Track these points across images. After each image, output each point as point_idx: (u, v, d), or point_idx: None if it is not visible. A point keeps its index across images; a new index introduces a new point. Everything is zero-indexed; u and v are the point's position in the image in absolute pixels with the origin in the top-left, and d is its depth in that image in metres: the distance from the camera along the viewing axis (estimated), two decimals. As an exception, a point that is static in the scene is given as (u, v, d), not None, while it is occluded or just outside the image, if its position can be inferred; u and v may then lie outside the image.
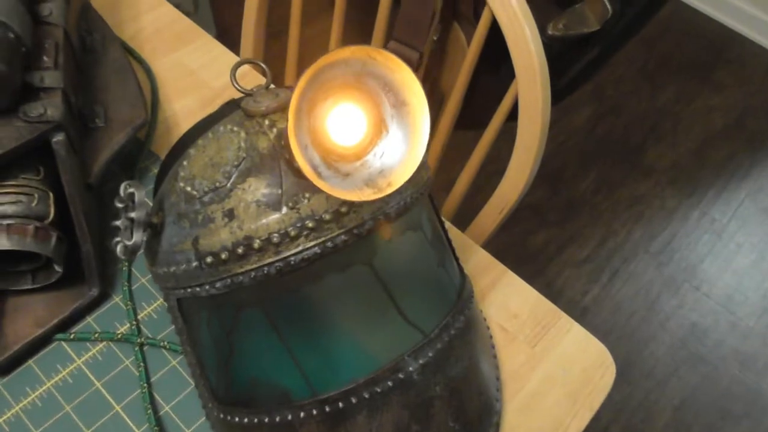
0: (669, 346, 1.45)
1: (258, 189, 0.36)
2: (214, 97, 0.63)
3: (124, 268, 0.50)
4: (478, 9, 0.65)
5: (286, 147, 0.34)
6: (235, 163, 0.36)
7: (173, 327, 0.49)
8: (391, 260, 0.39)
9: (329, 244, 0.36)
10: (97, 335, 0.47)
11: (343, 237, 0.36)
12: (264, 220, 0.35)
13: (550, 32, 0.68)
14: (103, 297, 0.49)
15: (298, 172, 0.35)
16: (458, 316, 0.42)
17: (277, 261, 0.35)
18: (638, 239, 1.61)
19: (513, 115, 0.63)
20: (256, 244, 0.35)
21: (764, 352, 1.46)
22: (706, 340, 1.47)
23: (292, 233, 0.35)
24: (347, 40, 0.74)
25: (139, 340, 0.47)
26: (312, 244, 0.35)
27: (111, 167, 0.52)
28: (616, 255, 1.58)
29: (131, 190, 0.37)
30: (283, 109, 0.38)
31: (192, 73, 0.65)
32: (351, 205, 0.36)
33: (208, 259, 0.36)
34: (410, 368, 0.39)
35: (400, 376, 0.38)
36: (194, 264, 0.37)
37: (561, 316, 0.53)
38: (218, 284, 0.37)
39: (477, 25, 0.63)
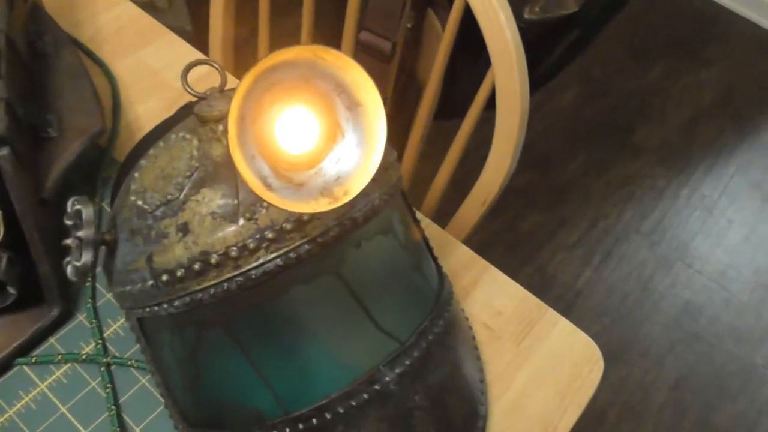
0: (664, 325, 1.44)
1: (213, 200, 0.33)
2: (178, 99, 0.60)
3: (87, 284, 0.48)
4: (449, -5, 0.63)
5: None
6: (188, 173, 0.34)
7: (141, 344, 0.46)
8: (361, 267, 0.36)
9: (292, 254, 0.33)
10: (60, 357, 0.45)
11: (306, 246, 0.34)
12: (220, 234, 0.33)
13: (526, 16, 0.66)
14: (65, 316, 0.47)
15: (253, 181, 0.33)
16: (436, 321, 0.40)
17: (236, 276, 0.33)
18: (629, 220, 1.60)
19: (492, 103, 0.61)
20: (213, 259, 0.33)
21: (758, 326, 1.45)
22: (700, 318, 1.46)
23: (251, 246, 0.33)
24: (320, 33, 0.71)
25: (105, 360, 0.45)
26: (273, 255, 0.33)
27: (69, 179, 0.50)
28: (607, 237, 1.57)
29: (78, 206, 0.35)
30: (238, 112, 0.36)
31: (155, 74, 0.62)
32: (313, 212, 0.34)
33: (164, 278, 0.34)
34: (386, 379, 0.37)
35: (376, 387, 0.36)
36: (149, 283, 0.34)
37: (546, 311, 0.51)
38: (177, 303, 0.34)
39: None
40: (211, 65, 0.39)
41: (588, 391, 0.48)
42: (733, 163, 1.72)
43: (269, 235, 0.33)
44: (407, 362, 0.38)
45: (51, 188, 0.45)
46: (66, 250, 0.37)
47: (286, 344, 0.35)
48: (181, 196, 0.34)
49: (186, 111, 0.41)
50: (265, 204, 0.33)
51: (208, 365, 0.36)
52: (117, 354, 0.46)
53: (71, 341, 0.46)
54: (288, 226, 0.33)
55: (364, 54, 0.63)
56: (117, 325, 0.47)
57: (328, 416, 0.36)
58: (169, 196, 0.34)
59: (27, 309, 0.45)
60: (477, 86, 0.60)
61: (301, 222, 0.33)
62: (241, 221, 0.33)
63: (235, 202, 0.33)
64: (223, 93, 0.37)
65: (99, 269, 0.50)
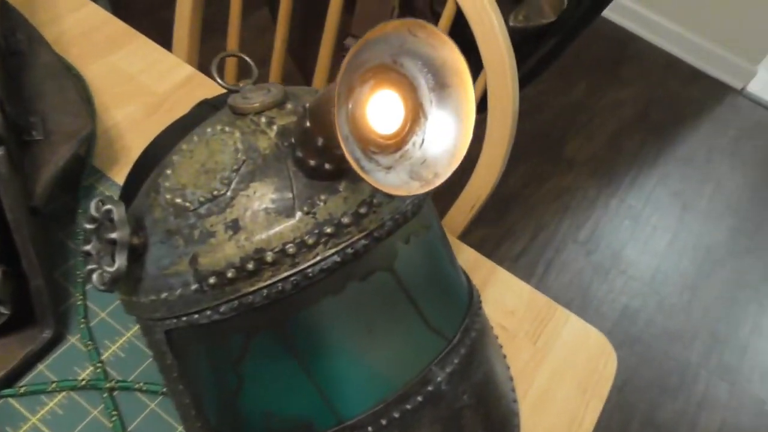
0: (607, 331, 1.50)
1: (265, 194, 0.31)
2: (159, 103, 0.57)
3: (79, 303, 0.44)
4: (434, 4, 0.63)
5: (300, 144, 0.30)
6: (235, 167, 0.32)
7: (146, 366, 0.42)
8: (411, 263, 0.35)
9: (349, 250, 0.32)
10: (54, 385, 0.40)
11: (363, 242, 0.32)
12: (276, 229, 0.31)
13: (511, 24, 0.68)
14: (56, 339, 0.42)
15: (311, 172, 0.31)
16: (475, 318, 0.40)
17: (293, 275, 0.31)
18: (566, 230, 1.67)
19: (480, 107, 0.61)
20: (269, 257, 0.30)
21: (689, 326, 1.54)
22: (637, 321, 1.54)
23: (310, 241, 0.31)
24: (294, 36, 0.70)
25: (108, 385, 0.41)
26: (331, 252, 0.31)
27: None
28: (548, 247, 1.62)
29: (108, 206, 0.31)
30: (279, 104, 0.34)
31: (131, 79, 0.58)
32: (370, 205, 0.32)
33: (211, 280, 0.31)
34: (438, 378, 0.36)
35: (429, 388, 0.35)
36: (193, 287, 0.31)
37: (557, 308, 0.52)
38: (223, 308, 0.32)
39: (433, 21, 0.60)
40: (242, 57, 0.37)
41: (606, 383, 0.48)
42: (655, 174, 1.84)
43: (328, 229, 0.31)
44: (456, 360, 0.37)
45: (41, 196, 0.41)
46: (84, 259, 0.33)
47: (340, 346, 0.33)
48: (229, 192, 0.31)
49: (203, 108, 0.38)
50: (322, 197, 0.31)
51: (254, 375, 0.33)
52: (119, 378, 0.42)
53: (64, 367, 0.41)
54: (346, 220, 0.31)
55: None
56: (116, 346, 0.43)
57: (383, 422, 0.34)
58: (215, 192, 0.31)
59: (13, 332, 0.40)
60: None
61: (358, 216, 0.32)
62: (299, 215, 0.31)
63: (290, 195, 0.31)
64: (256, 86, 0.36)
65: (89, 286, 0.46)
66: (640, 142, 1.90)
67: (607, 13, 2.20)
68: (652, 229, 1.73)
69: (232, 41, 0.72)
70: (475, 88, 0.60)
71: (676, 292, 1.61)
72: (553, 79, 1.98)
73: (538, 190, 1.72)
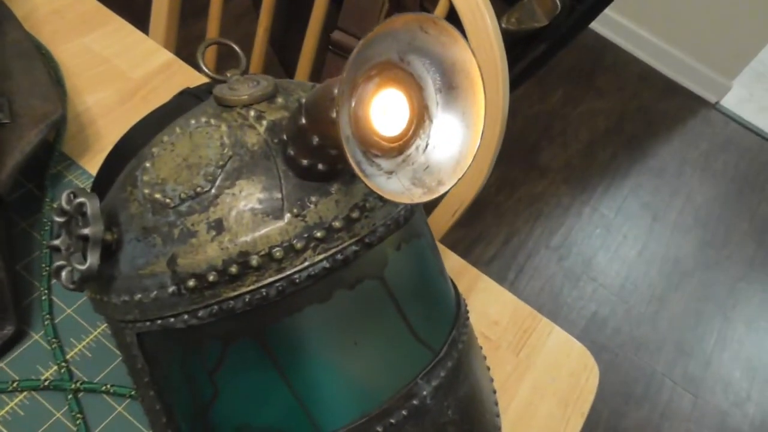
0: (576, 337, 1.51)
1: (252, 194, 0.29)
2: (135, 90, 0.54)
3: (43, 298, 0.41)
4: (424, 3, 0.62)
5: (293, 141, 0.28)
6: (220, 163, 0.30)
7: (114, 366, 0.40)
8: (401, 272, 0.34)
9: (339, 256, 0.30)
10: (15, 384, 0.37)
11: (353, 248, 0.30)
12: (263, 231, 0.29)
13: (504, 26, 0.67)
14: (18, 336, 0.39)
15: (303, 172, 0.29)
16: (462, 329, 0.38)
17: (279, 280, 0.29)
18: (539, 236, 1.68)
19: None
20: (254, 260, 0.29)
21: (655, 336, 1.57)
22: (605, 329, 1.55)
23: (298, 246, 0.29)
24: (278, 27, 0.68)
25: (73, 386, 0.38)
26: (320, 257, 0.29)
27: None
28: (520, 252, 1.63)
29: (81, 199, 0.29)
30: (269, 98, 0.32)
31: (105, 62, 0.55)
32: (363, 210, 0.31)
33: (190, 283, 0.29)
34: (424, 392, 0.34)
35: (414, 402, 0.34)
36: (170, 289, 0.29)
37: (540, 320, 0.51)
38: (201, 313, 0.30)
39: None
40: (229, 44, 0.35)
41: (588, 398, 0.47)
42: (627, 185, 1.87)
43: (318, 233, 0.29)
44: (442, 374, 0.35)
45: (6, 183, 0.38)
46: (54, 255, 0.31)
47: (323, 357, 0.31)
48: (213, 189, 0.29)
49: (185, 97, 0.36)
50: (313, 199, 0.29)
51: (231, 385, 0.31)
52: (85, 378, 0.39)
53: (26, 365, 0.39)
54: (338, 224, 0.30)
55: (336, 54, 0.60)
56: (82, 345, 0.40)
57: (365, 437, 0.32)
58: (198, 189, 0.29)
59: (-30, 328, 0.37)
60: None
61: (350, 220, 0.30)
62: (287, 217, 0.29)
63: (279, 195, 0.29)
64: (245, 77, 0.33)
65: (55, 281, 0.43)
66: (613, 154, 1.92)
67: (587, 22, 2.22)
68: (622, 238, 1.75)
69: (213, 27, 0.69)
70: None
71: (644, 301, 1.63)
72: (529, 86, 1.99)
73: (511, 195, 1.73)
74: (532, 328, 0.50)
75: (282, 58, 0.85)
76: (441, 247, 0.53)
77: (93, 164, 0.48)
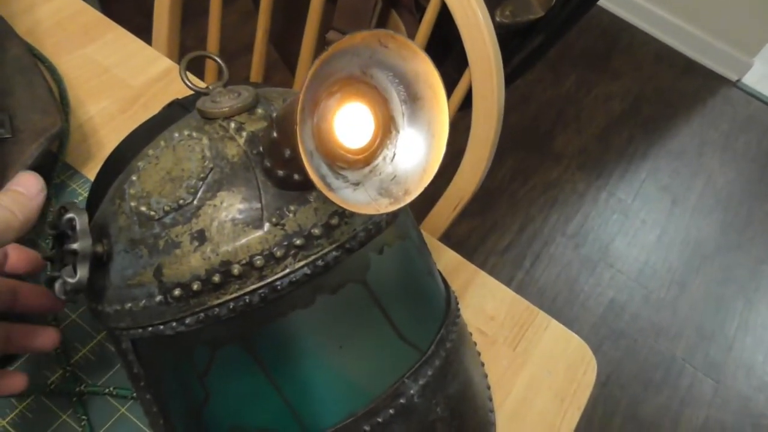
0: (592, 324, 1.51)
1: (233, 204, 0.30)
2: (135, 98, 0.55)
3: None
4: (419, 0, 0.62)
5: (268, 153, 0.29)
6: (201, 175, 0.31)
7: (117, 369, 0.42)
8: (384, 275, 0.34)
9: (320, 262, 0.31)
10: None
11: (334, 253, 0.31)
12: (243, 241, 0.30)
13: (498, 19, 0.67)
14: (25, 342, 0.41)
15: (280, 182, 0.30)
16: (451, 328, 0.39)
17: (260, 288, 0.30)
18: (555, 223, 1.67)
19: (463, 104, 0.60)
20: (236, 269, 0.30)
21: (675, 321, 1.55)
22: (623, 315, 1.54)
23: (278, 254, 0.30)
24: (276, 29, 0.68)
25: (78, 389, 0.40)
26: (301, 264, 0.30)
27: (22, 186, 0.44)
28: (535, 240, 1.62)
29: (70, 215, 0.30)
30: (249, 109, 0.33)
31: (106, 71, 0.56)
32: (342, 216, 0.31)
33: (176, 292, 0.30)
34: (411, 391, 0.35)
35: (401, 401, 0.34)
36: (157, 299, 0.30)
37: (537, 314, 0.51)
38: (188, 320, 0.31)
39: (417, 15, 0.59)
40: (212, 59, 0.35)
41: (585, 392, 0.48)
42: (644, 168, 1.84)
43: (297, 241, 0.30)
44: (429, 373, 0.36)
45: (8, 196, 0.39)
46: (52, 264, 0.32)
47: (309, 360, 0.32)
48: (195, 201, 0.30)
49: (172, 109, 0.37)
50: (291, 208, 0.30)
51: (221, 388, 0.33)
52: (89, 381, 0.41)
53: (33, 370, 0.41)
54: (316, 231, 0.30)
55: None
56: (86, 349, 0.42)
57: (353, 436, 0.33)
58: (181, 201, 0.30)
59: (-21, 336, 0.39)
60: (445, 88, 0.59)
61: (329, 227, 0.31)
62: (267, 227, 0.30)
63: (259, 205, 0.30)
64: (227, 88, 0.34)
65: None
66: (629, 137, 1.90)
67: (601, 1, 2.18)
68: (641, 223, 1.73)
69: (213, 29, 0.70)
70: (459, 86, 0.59)
71: (663, 286, 1.61)
72: (542, 70, 1.96)
73: (525, 183, 1.72)
74: (529, 322, 0.50)
75: (284, 58, 0.85)
76: (437, 244, 0.53)
77: (95, 173, 0.50)
